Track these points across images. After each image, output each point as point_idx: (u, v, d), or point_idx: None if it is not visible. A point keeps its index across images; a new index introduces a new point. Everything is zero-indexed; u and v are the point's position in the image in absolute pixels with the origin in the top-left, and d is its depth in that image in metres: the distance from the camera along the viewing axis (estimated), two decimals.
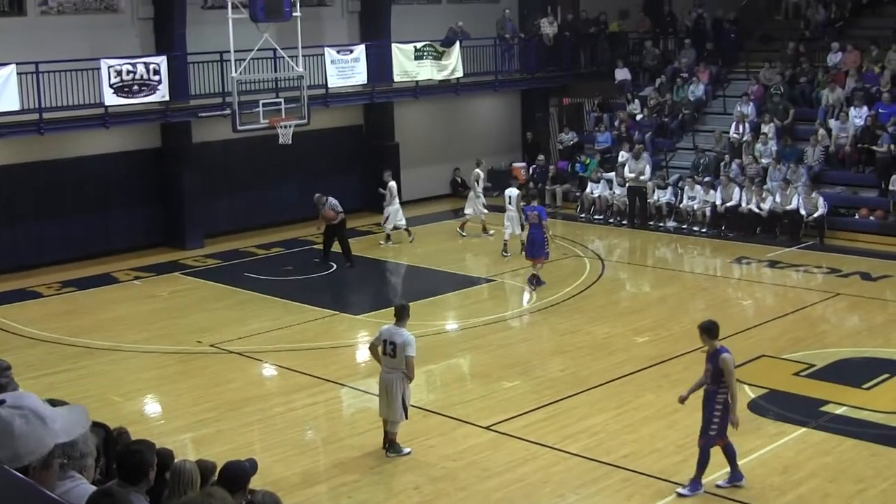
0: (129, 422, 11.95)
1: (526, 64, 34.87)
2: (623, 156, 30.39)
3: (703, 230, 28.69)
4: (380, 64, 30.45)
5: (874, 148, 28.19)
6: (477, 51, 33.18)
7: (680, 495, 12.91)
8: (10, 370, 9.02)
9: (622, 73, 35.18)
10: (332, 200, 25.54)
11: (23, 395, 4.49)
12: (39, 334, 20.67)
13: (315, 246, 27.16)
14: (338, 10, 31.74)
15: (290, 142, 26.16)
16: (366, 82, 30.21)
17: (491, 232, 27.93)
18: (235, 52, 24.76)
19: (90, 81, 25.20)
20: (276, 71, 27.49)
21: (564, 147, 34.38)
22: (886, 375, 17.23)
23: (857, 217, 27.60)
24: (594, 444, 14.61)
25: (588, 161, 32.50)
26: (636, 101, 34.04)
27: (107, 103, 25.46)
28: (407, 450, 14.38)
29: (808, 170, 28.39)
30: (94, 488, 5.03)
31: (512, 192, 26.80)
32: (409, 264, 27.21)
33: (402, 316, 14.24)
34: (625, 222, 29.92)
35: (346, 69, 29.52)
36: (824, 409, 15.77)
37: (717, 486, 13.07)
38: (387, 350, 14.08)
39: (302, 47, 25.76)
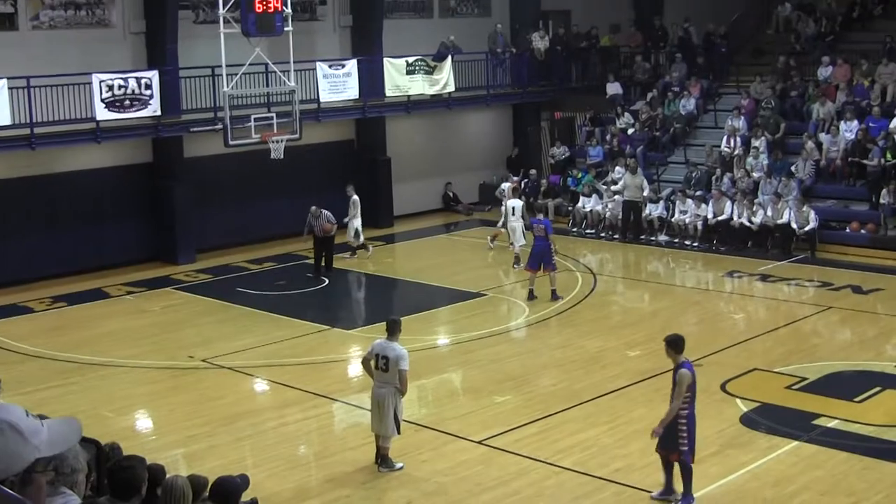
0: (120, 437, 11.91)
1: (517, 78, 34.93)
2: (619, 171, 30.35)
3: (695, 244, 28.71)
4: (371, 78, 30.49)
5: (865, 162, 28.28)
6: (468, 65, 33.24)
7: None
8: None
9: (613, 88, 35.25)
10: (327, 213, 25.69)
11: (2, 407, 4.32)
12: (30, 349, 20.62)
13: (307, 261, 27.14)
14: (329, 24, 31.78)
15: (282, 156, 26.17)
16: (357, 97, 30.25)
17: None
18: (227, 66, 24.78)
19: (82, 96, 25.20)
20: (267, 85, 27.51)
21: (556, 161, 34.44)
22: (878, 388, 17.24)
23: (848, 230, 27.65)
24: (587, 458, 14.59)
25: (580, 175, 32.54)
26: (627, 115, 34.09)
27: (98, 118, 25.46)
28: (399, 465, 14.35)
29: (799, 183, 28.44)
30: None
31: (516, 203, 26.96)
32: (401, 279, 27.20)
33: (393, 330, 14.23)
34: (616, 236, 29.94)
35: (338, 84, 29.56)
36: (816, 422, 15.77)
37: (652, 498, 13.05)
38: (379, 364, 14.07)
39: (294, 62, 25.80)
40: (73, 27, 26.85)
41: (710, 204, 28.72)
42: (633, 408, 16.41)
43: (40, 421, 4.36)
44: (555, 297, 23.35)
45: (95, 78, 25.13)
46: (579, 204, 31.18)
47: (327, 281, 25.83)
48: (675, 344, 12.99)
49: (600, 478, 13.91)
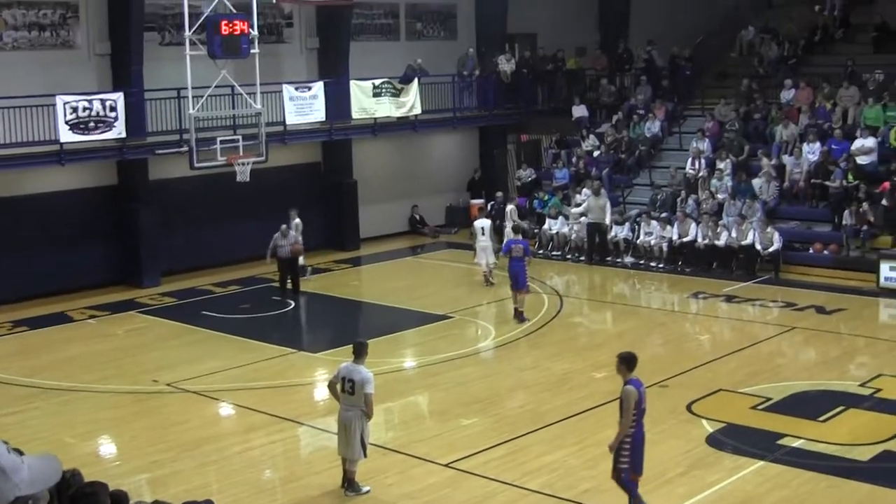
0: (83, 463, 11.78)
1: (484, 101, 35.02)
2: (585, 193, 30.37)
3: (660, 265, 28.83)
4: (338, 101, 30.48)
5: (827, 183, 28.49)
6: (435, 88, 33.29)
7: None
8: None
9: (579, 110, 35.42)
10: (295, 234, 25.68)
11: None
12: None
13: (273, 284, 27.05)
14: (296, 47, 31.77)
15: (248, 179, 26.09)
16: (324, 119, 30.23)
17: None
18: (193, 88, 24.72)
19: (46, 118, 25.07)
20: (233, 108, 27.44)
21: (522, 184, 34.50)
22: (842, 408, 17.33)
23: (811, 251, 27.82)
24: (554, 479, 14.58)
25: (546, 197, 32.62)
26: (593, 137, 34.22)
27: (62, 140, 25.34)
28: (366, 488, 14.29)
29: (762, 205, 28.62)
30: None
31: (485, 223, 27.32)
32: (368, 301, 27.17)
33: (360, 353, 14.19)
34: (582, 258, 30.01)
35: (305, 106, 29.54)
36: (781, 442, 15.83)
37: None
38: (345, 388, 14.01)
39: (260, 84, 25.76)
40: (37, 48, 26.72)
41: (675, 226, 28.86)
42: (600, 429, 16.36)
43: (21, 458, 4.27)
44: (521, 318, 23.43)
45: (59, 100, 25.01)
46: (546, 226, 31.22)
47: (293, 304, 25.75)
48: (628, 361, 12.92)
49: (568, 499, 13.90)
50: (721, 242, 27.94)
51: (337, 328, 24.68)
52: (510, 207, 29.97)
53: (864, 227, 26.84)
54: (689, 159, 31.16)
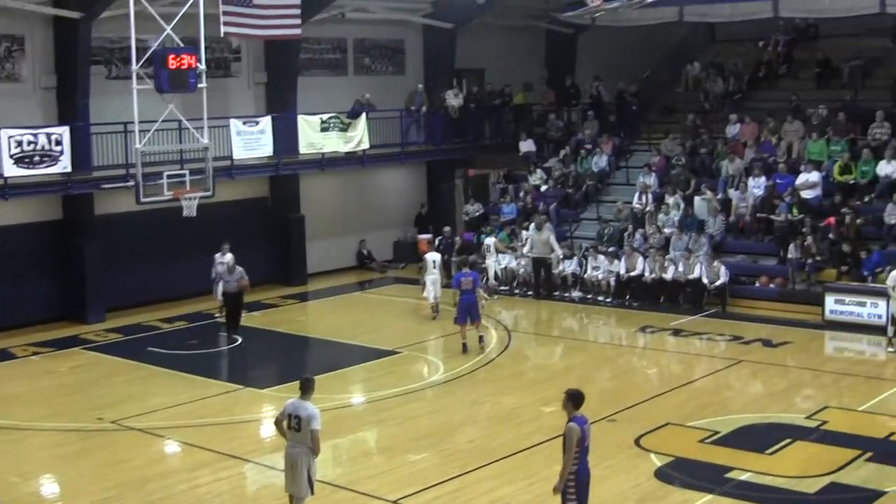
0: (27, 503, 11.65)
1: (431, 136, 35.07)
2: (532, 228, 30.38)
3: (608, 300, 28.94)
4: (286, 135, 30.41)
5: (773, 217, 28.78)
6: (383, 123, 33.29)
7: None
8: None
9: (527, 145, 35.57)
10: (241, 269, 25.55)
11: None
12: None
13: (219, 319, 26.85)
14: (244, 81, 31.68)
15: (195, 214, 25.89)
16: (271, 154, 30.13)
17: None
18: (140, 122, 24.53)
19: None
20: (181, 142, 27.22)
21: (470, 218, 34.55)
22: (789, 440, 17.43)
23: (757, 285, 28.05)
24: None
25: (494, 232, 32.67)
26: (541, 172, 34.35)
27: (6, 174, 25.09)
28: None
29: (709, 239, 28.82)
30: None
31: (435, 256, 27.67)
32: (315, 337, 27.04)
33: (307, 389, 14.06)
34: (530, 293, 30.05)
35: (252, 140, 29.45)
36: (729, 475, 15.87)
37: None
38: (291, 424, 13.89)
39: (207, 118, 25.60)
40: None
41: (623, 260, 29.00)
42: (549, 464, 16.31)
43: None
44: (481, 341, 23.76)
45: (4, 133, 24.78)
46: (492, 261, 31.19)
47: (240, 339, 25.57)
48: (574, 399, 12.84)
49: None
50: (668, 276, 28.11)
51: (284, 364, 24.53)
52: (489, 241, 30.45)
53: (810, 261, 27.09)
54: (637, 194, 31.37)
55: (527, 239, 30.26)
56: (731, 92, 35.24)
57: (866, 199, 28.62)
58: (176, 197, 25.53)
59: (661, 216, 30.20)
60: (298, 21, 28.85)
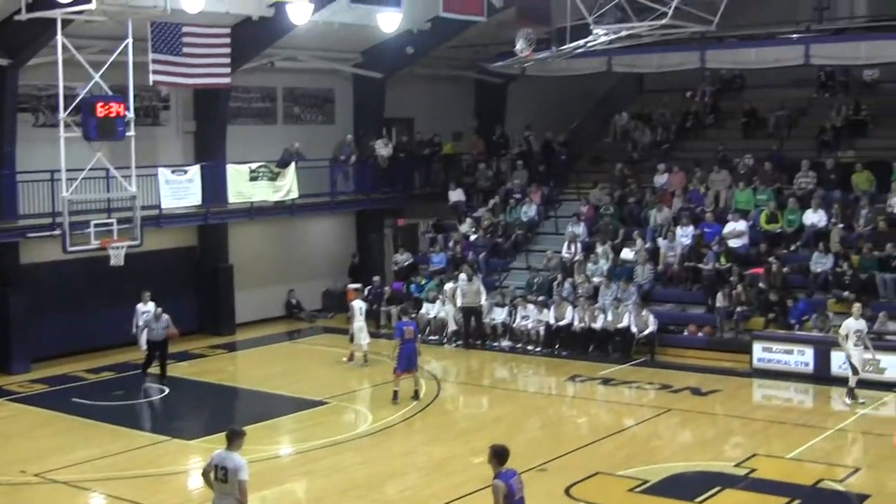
0: None
1: (361, 185, 35.07)
2: (462, 278, 30.42)
3: (538, 349, 29.01)
4: (214, 184, 30.25)
5: (700, 266, 29.05)
6: (312, 172, 33.21)
7: None
8: None
9: (456, 195, 35.68)
10: (167, 316, 25.36)
11: None
12: None
13: (152, 371, 26.50)
14: (172, 129, 31.50)
15: (122, 263, 25.68)
16: (200, 203, 29.95)
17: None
18: (67, 171, 24.35)
19: None
20: (108, 191, 27.03)
21: (399, 268, 34.53)
22: (718, 488, 17.50)
23: (686, 333, 28.26)
24: None
25: (423, 282, 32.69)
26: (470, 221, 34.46)
27: None
28: None
29: (638, 288, 29.02)
30: None
31: (362, 304, 27.85)
32: (243, 387, 26.80)
33: (234, 440, 13.90)
34: (460, 342, 30.04)
35: (181, 189, 29.26)
36: None
37: None
38: (218, 476, 13.71)
39: (135, 167, 25.47)
40: None
41: (552, 309, 29.10)
42: None
43: None
44: (417, 396, 23.70)
45: None
46: (423, 310, 31.20)
47: (167, 390, 25.29)
48: (499, 455, 12.73)
49: None
50: (597, 325, 28.25)
51: (211, 415, 24.29)
52: (448, 286, 30.52)
53: (738, 309, 27.36)
54: (565, 243, 31.56)
55: (456, 289, 30.27)
56: (659, 142, 35.68)
57: (792, 247, 29.06)
58: (103, 246, 25.34)
59: (589, 265, 30.38)
60: (228, 70, 28.77)
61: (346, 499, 17.46)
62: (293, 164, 32.07)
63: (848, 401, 22.79)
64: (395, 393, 23.66)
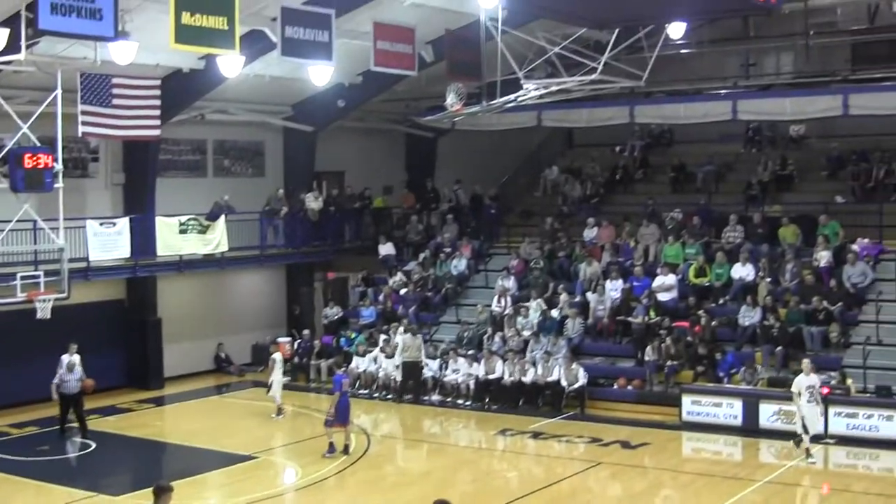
0: None
1: (291, 238, 34.99)
2: (402, 333, 30.26)
3: (467, 403, 28.97)
4: (143, 237, 30.02)
5: (630, 319, 29.26)
6: (242, 225, 33.08)
7: None
8: None
9: (386, 248, 35.70)
10: (81, 369, 25.09)
11: None
12: None
13: (71, 425, 26.11)
14: (101, 181, 31.26)
15: (49, 316, 25.33)
16: (129, 256, 29.70)
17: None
18: None
19: None
20: (35, 243, 26.72)
21: (329, 322, 34.42)
22: None
23: (615, 387, 28.35)
24: None
25: (353, 335, 32.59)
26: (400, 275, 34.46)
27: None
28: None
29: (568, 342, 29.14)
30: None
31: (279, 356, 28.07)
32: (171, 442, 26.48)
33: (160, 496, 13.74)
34: (390, 396, 29.93)
35: (109, 242, 29.01)
36: None
37: None
38: None
39: (63, 219, 25.22)
40: None
41: (482, 363, 29.12)
42: None
43: None
44: (347, 451, 23.54)
45: None
46: (353, 364, 31.04)
47: (94, 445, 24.92)
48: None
49: None
50: (527, 379, 28.28)
51: (138, 470, 23.95)
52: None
53: (668, 363, 27.55)
54: (496, 297, 31.64)
55: (397, 343, 30.19)
56: (589, 196, 36.00)
57: (721, 301, 29.37)
58: (30, 298, 25.00)
59: (520, 319, 30.47)
60: (158, 122, 28.59)
61: None
62: (223, 217, 31.93)
63: (806, 459, 22.33)
64: (331, 444, 23.48)
